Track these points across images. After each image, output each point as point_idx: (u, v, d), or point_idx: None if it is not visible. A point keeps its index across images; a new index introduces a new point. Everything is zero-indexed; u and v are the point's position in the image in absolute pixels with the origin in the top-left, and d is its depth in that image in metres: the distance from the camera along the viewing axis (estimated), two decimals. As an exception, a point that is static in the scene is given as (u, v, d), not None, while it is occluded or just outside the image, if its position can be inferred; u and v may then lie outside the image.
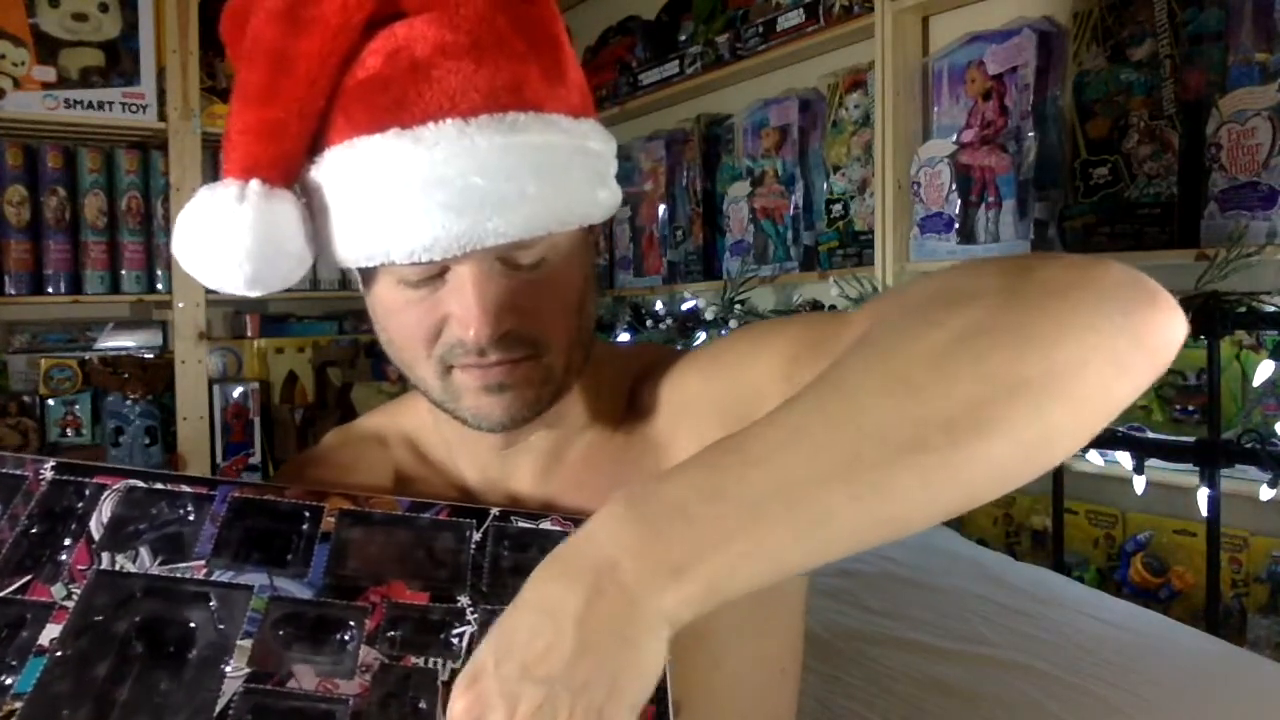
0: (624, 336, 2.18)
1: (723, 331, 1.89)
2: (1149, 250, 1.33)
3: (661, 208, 2.30)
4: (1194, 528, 1.33)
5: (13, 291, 2.23)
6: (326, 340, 2.59)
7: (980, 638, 1.08)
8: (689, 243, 2.22)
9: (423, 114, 0.65)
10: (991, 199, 1.54)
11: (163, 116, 2.28)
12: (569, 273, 0.71)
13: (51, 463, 0.73)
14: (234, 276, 0.69)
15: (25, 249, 2.23)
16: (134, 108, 2.25)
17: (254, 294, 0.71)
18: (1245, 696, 0.97)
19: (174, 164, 2.29)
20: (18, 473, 0.72)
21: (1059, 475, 1.41)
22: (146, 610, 0.66)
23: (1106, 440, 1.30)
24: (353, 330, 2.62)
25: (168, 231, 2.23)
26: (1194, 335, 1.19)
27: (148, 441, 2.32)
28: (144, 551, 0.68)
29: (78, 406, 2.28)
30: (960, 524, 1.53)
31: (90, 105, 2.21)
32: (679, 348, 1.91)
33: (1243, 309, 1.18)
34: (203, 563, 0.68)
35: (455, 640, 0.66)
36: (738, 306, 1.89)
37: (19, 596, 0.65)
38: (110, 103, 2.23)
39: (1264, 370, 1.21)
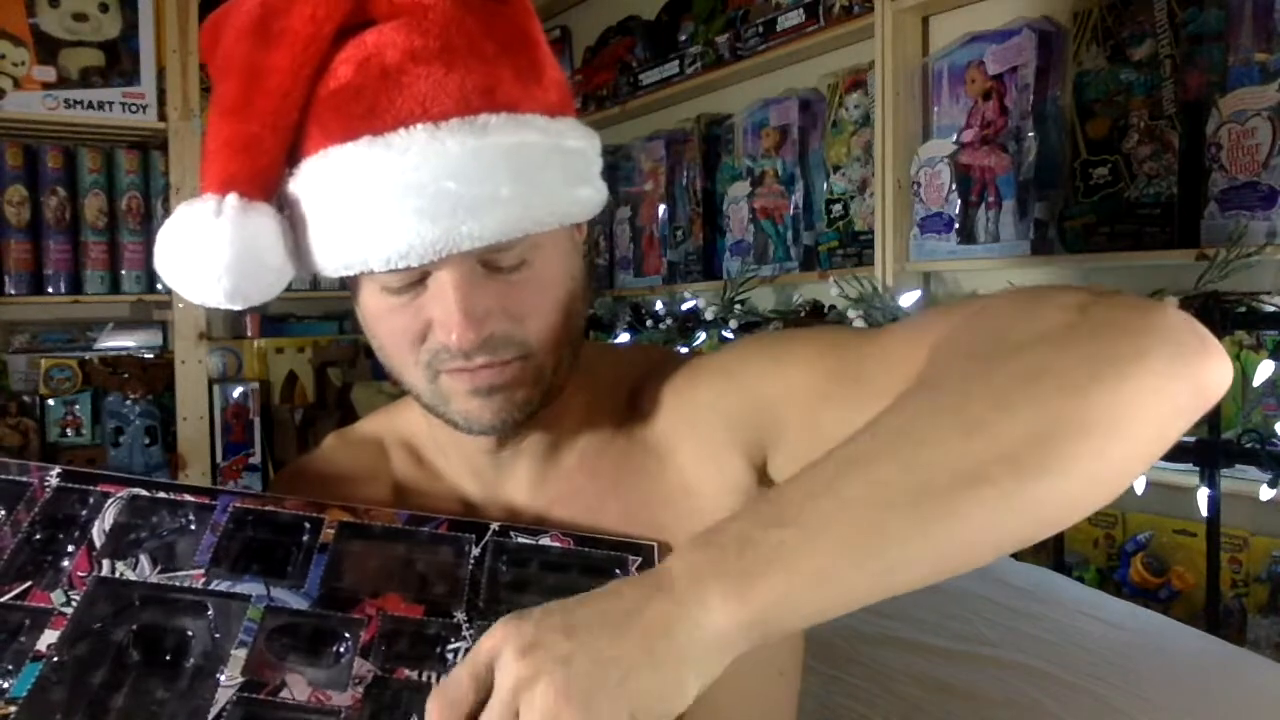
0: (624, 336, 2.18)
1: (723, 332, 1.89)
2: (1149, 250, 1.33)
3: (661, 208, 2.30)
4: (1194, 528, 1.33)
5: (13, 291, 2.23)
6: (326, 340, 2.59)
7: (980, 638, 1.08)
8: (689, 243, 2.22)
9: (394, 120, 0.65)
10: (991, 199, 1.54)
11: (163, 116, 2.28)
12: (553, 272, 0.71)
13: (57, 470, 0.74)
14: (214, 290, 0.69)
15: (25, 249, 2.23)
16: (134, 108, 2.25)
17: (235, 307, 0.71)
18: (1245, 696, 0.97)
19: (174, 164, 2.29)
20: (23, 480, 0.73)
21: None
22: (144, 618, 0.66)
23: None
24: (353, 330, 2.62)
25: (168, 231, 2.22)
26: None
27: (148, 441, 2.32)
28: (144, 559, 0.68)
29: (78, 406, 2.28)
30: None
31: (90, 105, 2.21)
32: (679, 349, 1.92)
33: (1243, 309, 1.18)
34: (201, 571, 0.68)
35: (450, 655, 0.66)
36: (738, 307, 1.89)
37: (19, 602, 0.65)
38: (110, 103, 2.23)
39: (1264, 370, 1.21)
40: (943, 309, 0.65)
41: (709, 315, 1.92)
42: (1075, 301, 0.56)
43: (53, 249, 2.26)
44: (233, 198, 0.68)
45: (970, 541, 0.51)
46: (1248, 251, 1.19)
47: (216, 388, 2.40)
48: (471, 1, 0.68)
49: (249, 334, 2.57)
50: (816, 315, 1.76)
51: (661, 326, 2.07)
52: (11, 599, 0.65)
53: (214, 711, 0.61)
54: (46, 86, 2.17)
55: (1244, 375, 1.26)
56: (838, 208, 1.86)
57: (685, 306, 2.06)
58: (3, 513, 0.70)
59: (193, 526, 0.71)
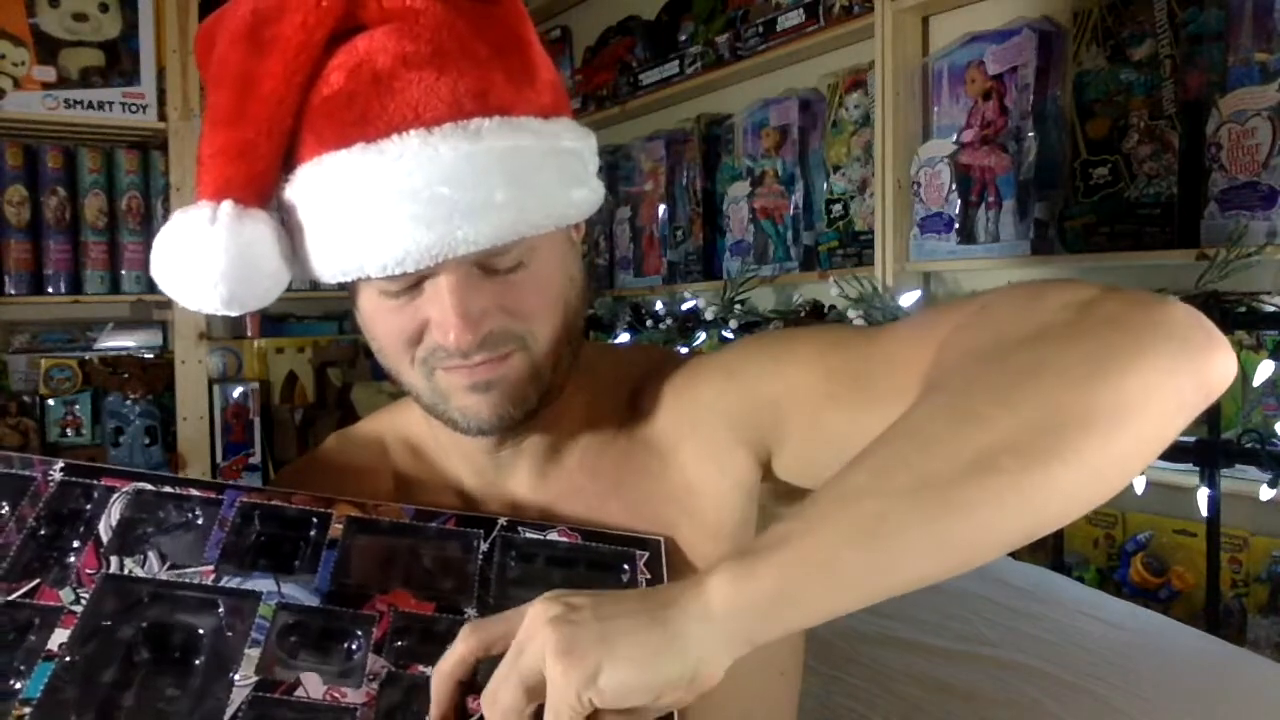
0: (624, 336, 2.18)
1: (723, 332, 1.89)
2: (1149, 250, 1.33)
3: (661, 208, 2.30)
4: (1194, 528, 1.33)
5: (13, 291, 2.23)
6: (326, 340, 2.59)
7: (980, 638, 1.09)
8: (689, 243, 2.22)
9: (386, 126, 0.65)
10: (991, 199, 1.54)
11: (163, 116, 2.28)
12: (550, 273, 0.71)
13: (60, 464, 0.73)
14: (210, 297, 0.69)
15: (25, 249, 2.23)
16: (134, 108, 2.25)
17: (232, 313, 0.72)
18: (1245, 696, 0.97)
19: (174, 164, 2.29)
20: (26, 474, 0.72)
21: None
22: (154, 616, 0.65)
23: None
24: (353, 330, 2.62)
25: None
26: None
27: (148, 441, 2.32)
28: (152, 556, 0.68)
29: (78, 406, 2.28)
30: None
31: (90, 105, 2.21)
32: (679, 349, 1.92)
33: (1243, 309, 1.18)
34: (211, 568, 0.68)
35: None
36: (738, 307, 1.89)
37: (28, 600, 0.65)
38: (110, 103, 2.23)
39: (1264, 370, 1.21)
40: (945, 307, 0.66)
41: (709, 315, 1.93)
42: (1078, 297, 0.56)
43: (53, 249, 2.26)
44: (228, 205, 0.68)
45: (975, 533, 0.50)
46: (1248, 251, 1.19)
47: (216, 388, 2.40)
48: (462, 4, 0.68)
49: (249, 334, 2.57)
50: (816, 315, 1.76)
51: (661, 326, 2.07)
52: (20, 597, 0.65)
53: (230, 711, 0.61)
54: (46, 86, 2.17)
55: (1244, 375, 1.26)
56: (838, 208, 1.86)
57: (685, 306, 2.06)
58: (7, 508, 0.70)
59: (200, 521, 0.71)
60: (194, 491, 0.73)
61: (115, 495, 0.71)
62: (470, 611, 0.68)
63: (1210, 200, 1.26)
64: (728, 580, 0.51)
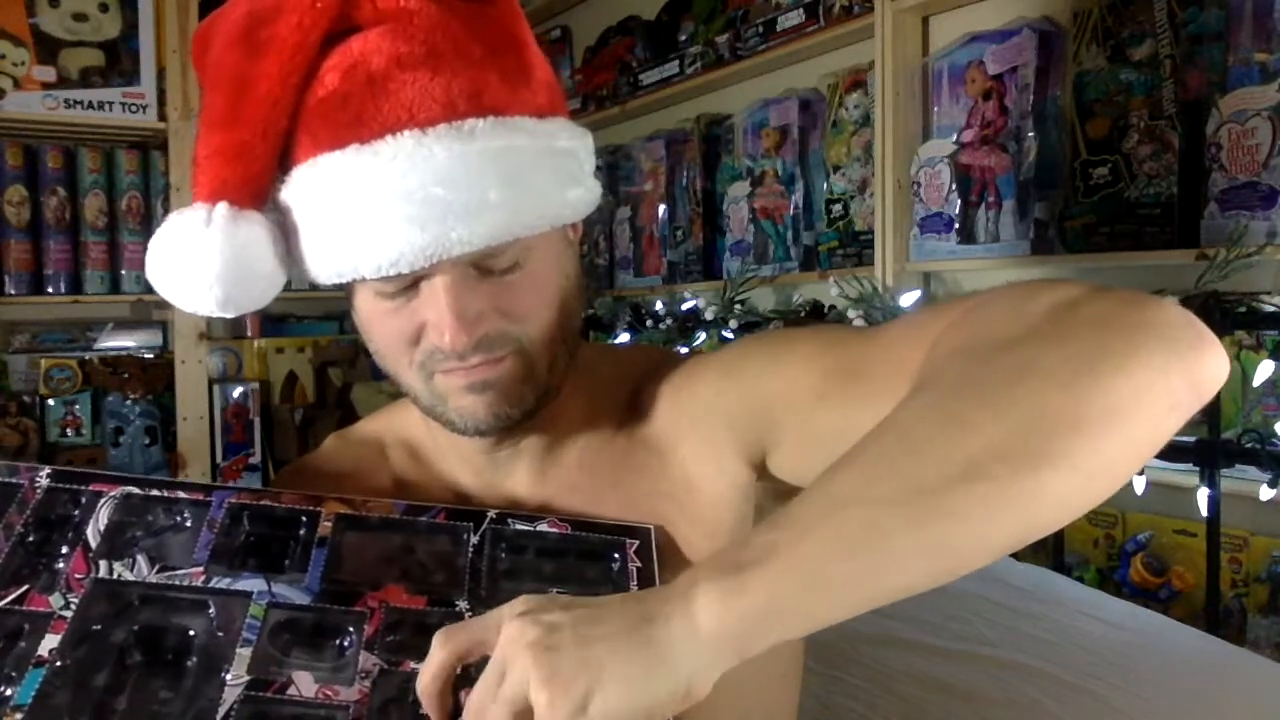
0: (624, 336, 2.18)
1: (723, 332, 1.89)
2: (1149, 250, 1.33)
3: (661, 208, 2.30)
4: (1194, 528, 1.33)
5: (13, 291, 2.23)
6: (326, 340, 2.59)
7: (980, 638, 1.08)
8: (689, 243, 2.22)
9: (381, 128, 0.65)
10: (991, 199, 1.54)
11: (163, 116, 2.28)
12: (546, 273, 0.71)
13: (47, 470, 0.73)
14: (205, 299, 0.69)
15: (25, 249, 2.23)
16: (134, 108, 2.25)
17: (228, 315, 0.72)
18: (1245, 696, 0.97)
19: (174, 164, 2.29)
20: (12, 481, 0.72)
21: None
22: (145, 618, 0.65)
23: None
24: (353, 330, 2.59)
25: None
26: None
27: (148, 441, 2.32)
28: (141, 559, 0.68)
29: (78, 406, 2.28)
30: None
31: (90, 105, 2.21)
32: (679, 349, 1.92)
33: (1243, 309, 1.18)
34: (200, 569, 0.68)
35: None
36: (738, 306, 1.89)
37: (17, 607, 0.65)
38: (110, 103, 2.23)
39: (1264, 370, 1.21)
40: (940, 306, 0.65)
41: (709, 315, 1.93)
42: (1068, 297, 0.55)
43: (53, 249, 2.25)
44: (223, 207, 0.68)
45: (965, 541, 0.50)
46: (1248, 251, 1.19)
47: (216, 388, 2.40)
48: (457, 5, 0.68)
49: (249, 334, 2.57)
50: (816, 315, 1.76)
51: (661, 326, 2.07)
52: (9, 604, 0.65)
53: (222, 711, 0.61)
54: (46, 86, 2.17)
55: (1244, 375, 1.26)
56: (838, 208, 1.86)
57: (685, 306, 2.06)
58: None
59: (188, 524, 0.71)
60: (182, 494, 0.73)
61: (103, 500, 0.71)
62: (462, 604, 0.68)
63: (1210, 200, 1.26)
64: (716, 598, 0.50)
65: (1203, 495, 1.23)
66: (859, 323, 1.58)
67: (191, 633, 0.65)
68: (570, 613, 0.53)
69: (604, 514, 0.76)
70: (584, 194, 0.73)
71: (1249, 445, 1.19)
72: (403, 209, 0.64)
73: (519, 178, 0.67)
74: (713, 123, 2.21)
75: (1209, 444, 1.21)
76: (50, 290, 2.27)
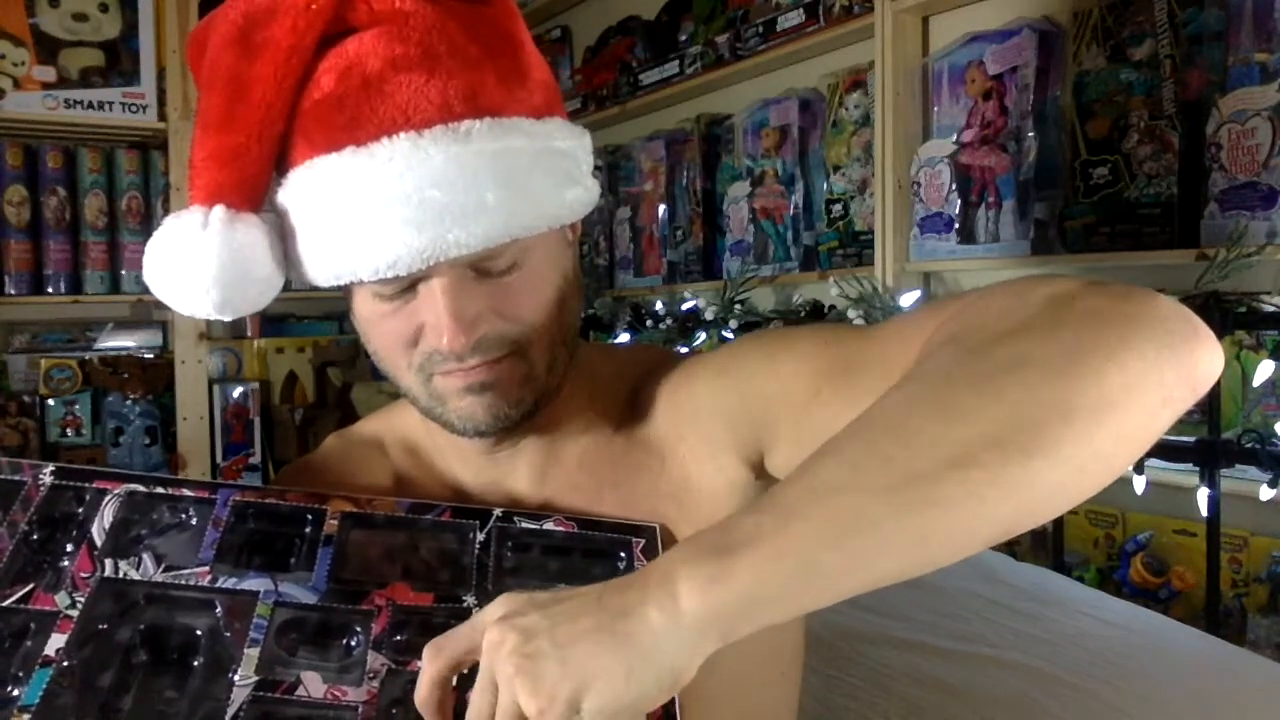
0: (624, 336, 2.18)
1: (723, 332, 1.89)
2: (1149, 250, 1.33)
3: (661, 208, 2.30)
4: (1194, 528, 1.33)
5: (13, 291, 2.23)
6: (326, 340, 2.59)
7: (980, 638, 1.08)
8: (689, 243, 2.22)
9: (376, 130, 0.65)
10: (991, 199, 1.54)
11: (163, 116, 2.28)
12: (545, 274, 0.71)
13: (50, 468, 0.73)
14: (202, 302, 0.69)
15: (25, 249, 2.23)
16: (134, 108, 2.25)
17: (225, 318, 0.71)
18: (1245, 696, 0.97)
19: (174, 164, 2.29)
20: (16, 478, 0.72)
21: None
22: (151, 618, 0.65)
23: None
24: (353, 330, 2.61)
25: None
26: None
27: (148, 441, 2.32)
28: (147, 558, 0.68)
29: (78, 406, 2.28)
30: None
31: (90, 105, 2.21)
32: (679, 349, 1.92)
33: (1243, 309, 1.18)
34: (206, 568, 0.68)
35: None
36: (738, 306, 1.89)
37: (22, 606, 0.64)
38: (110, 103, 2.23)
39: (1264, 370, 1.21)
40: (937, 303, 0.65)
41: (709, 315, 1.93)
42: (1063, 291, 0.55)
43: (53, 249, 2.25)
44: (219, 210, 0.68)
45: (953, 530, 0.49)
46: (1248, 251, 1.19)
47: (216, 388, 2.40)
48: (453, 5, 0.68)
49: (249, 334, 2.57)
50: (816, 315, 1.76)
51: (661, 326, 2.07)
52: (14, 602, 0.64)
53: (230, 712, 0.61)
54: (46, 86, 2.17)
55: (1244, 375, 1.26)
56: (838, 208, 1.86)
57: (685, 306, 2.06)
58: None
59: (193, 522, 0.71)
60: (187, 492, 0.73)
61: (107, 497, 0.71)
62: (470, 600, 0.68)
63: (1210, 200, 1.26)
64: (698, 584, 0.50)
65: (1203, 495, 1.23)
66: (859, 322, 1.58)
67: (198, 632, 0.65)
68: (546, 613, 0.52)
69: (603, 513, 0.76)
70: (582, 194, 0.73)
71: (1249, 445, 1.19)
72: (399, 211, 0.64)
73: (516, 179, 0.67)
74: (713, 123, 2.21)
75: (1209, 444, 1.21)
76: (50, 290, 2.27)
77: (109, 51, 2.24)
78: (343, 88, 0.66)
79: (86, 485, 0.72)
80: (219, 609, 0.66)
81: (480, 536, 0.72)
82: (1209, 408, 1.23)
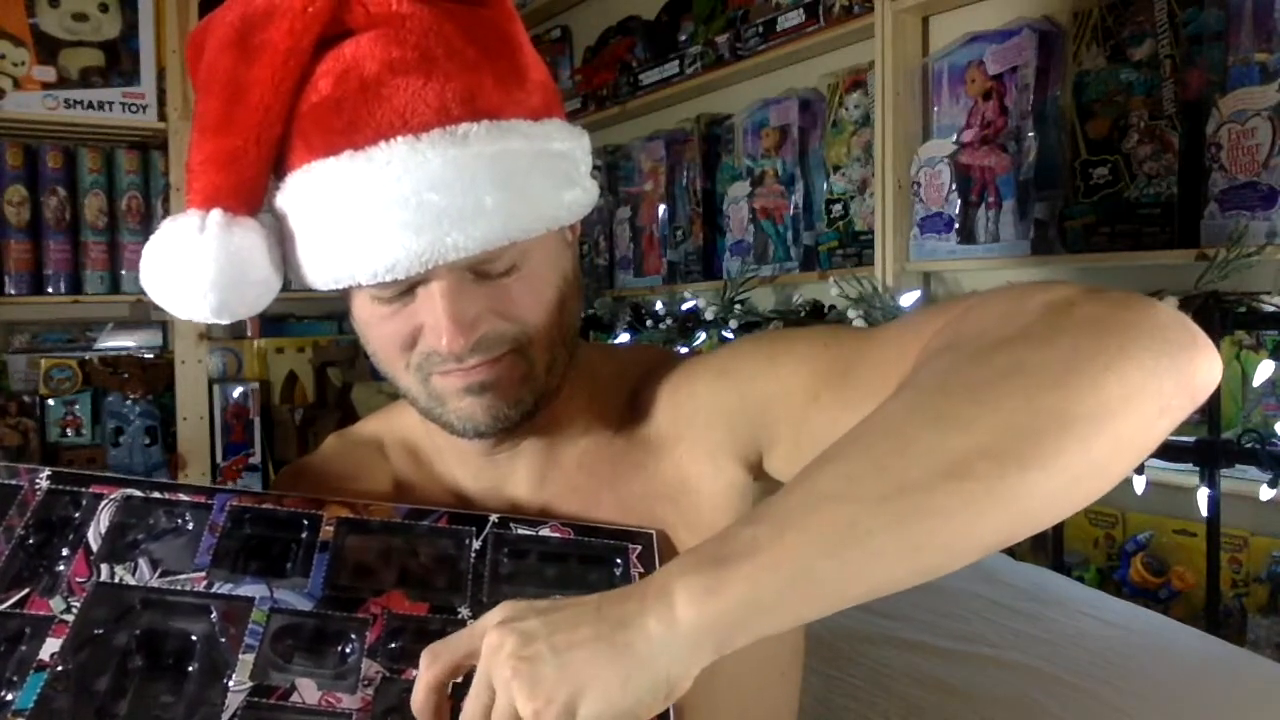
0: (624, 336, 2.18)
1: (723, 332, 1.89)
2: (1149, 250, 1.33)
3: (661, 208, 2.30)
4: (1194, 528, 1.33)
5: (13, 291, 2.23)
6: (326, 340, 2.59)
7: (980, 638, 1.08)
8: (689, 243, 2.22)
9: (374, 134, 0.65)
10: (991, 199, 1.54)
11: (163, 116, 2.28)
12: (544, 275, 0.71)
13: (47, 472, 0.73)
14: (200, 306, 0.69)
15: (25, 249, 2.23)
16: (134, 108, 2.25)
17: (223, 321, 0.72)
18: (1245, 696, 0.97)
19: (174, 164, 2.29)
20: (12, 483, 0.72)
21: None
22: (147, 623, 0.65)
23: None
24: (352, 331, 2.61)
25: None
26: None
27: (148, 441, 2.32)
28: (143, 563, 0.68)
29: (78, 406, 2.28)
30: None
31: (90, 105, 2.21)
32: (679, 349, 1.92)
33: (1243, 309, 1.18)
34: (203, 574, 0.68)
35: None
36: (738, 306, 1.89)
37: (18, 610, 0.64)
38: (110, 103, 2.23)
39: (1264, 370, 1.21)
40: (936, 307, 0.65)
41: (709, 315, 1.93)
42: (1061, 298, 0.55)
43: (53, 249, 2.25)
44: (216, 213, 0.68)
45: (950, 540, 0.49)
46: (1248, 251, 1.19)
47: (216, 388, 2.40)
48: (450, 7, 0.68)
49: (249, 334, 2.57)
50: (816, 315, 1.76)
51: (661, 326, 2.07)
52: (10, 607, 0.64)
53: (225, 717, 0.61)
54: (46, 86, 2.17)
55: (1244, 375, 1.26)
56: (838, 208, 1.86)
57: (685, 306, 2.06)
58: None
59: (190, 527, 0.71)
60: (183, 497, 0.73)
61: (104, 502, 0.71)
62: (464, 611, 0.68)
63: (1210, 200, 1.26)
64: (695, 595, 0.50)
65: (1203, 495, 1.23)
66: (859, 323, 1.58)
67: (193, 638, 0.65)
68: (546, 619, 0.53)
69: (601, 514, 0.76)
70: (580, 195, 0.73)
71: (1249, 445, 1.19)
72: (398, 215, 0.64)
73: (514, 181, 0.67)
74: (713, 123, 2.21)
75: (1209, 444, 1.21)
76: (50, 290, 2.27)
77: (109, 51, 2.24)
78: (340, 91, 0.66)
79: (83, 490, 0.72)
80: (215, 614, 0.66)
81: (476, 543, 0.72)
82: (1209, 408, 1.23)
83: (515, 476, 0.78)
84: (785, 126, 1.96)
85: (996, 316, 0.56)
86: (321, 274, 0.69)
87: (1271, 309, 1.17)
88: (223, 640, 0.64)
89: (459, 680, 0.57)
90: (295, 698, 0.62)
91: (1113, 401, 0.49)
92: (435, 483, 0.82)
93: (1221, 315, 1.17)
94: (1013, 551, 1.46)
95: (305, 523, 0.72)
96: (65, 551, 0.68)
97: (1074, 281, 0.59)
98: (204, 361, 2.35)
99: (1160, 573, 1.37)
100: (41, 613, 0.64)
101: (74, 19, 2.20)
